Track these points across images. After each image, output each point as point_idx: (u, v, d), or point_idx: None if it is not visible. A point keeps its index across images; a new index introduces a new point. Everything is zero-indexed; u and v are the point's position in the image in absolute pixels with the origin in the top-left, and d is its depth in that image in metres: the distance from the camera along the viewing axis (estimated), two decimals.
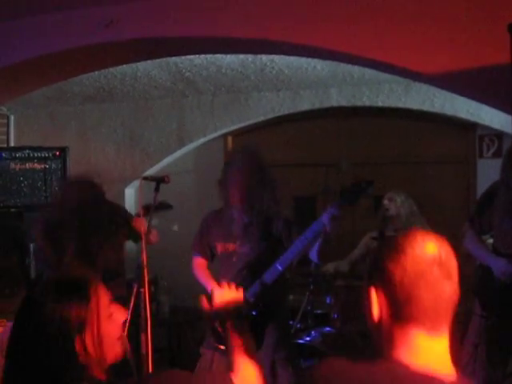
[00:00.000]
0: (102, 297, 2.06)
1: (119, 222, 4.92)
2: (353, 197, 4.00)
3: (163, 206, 4.63)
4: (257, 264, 4.20)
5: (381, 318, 1.69)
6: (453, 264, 1.67)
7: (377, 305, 1.69)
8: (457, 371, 1.65)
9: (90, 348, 1.98)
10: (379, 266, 1.70)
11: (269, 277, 4.07)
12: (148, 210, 4.36)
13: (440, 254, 1.65)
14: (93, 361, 1.99)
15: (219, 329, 4.23)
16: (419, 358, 1.61)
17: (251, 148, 4.45)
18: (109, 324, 2.05)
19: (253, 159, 4.29)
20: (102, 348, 2.01)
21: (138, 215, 4.77)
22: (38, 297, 2.00)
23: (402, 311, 1.64)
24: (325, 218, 3.90)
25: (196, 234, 4.61)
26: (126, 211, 5.35)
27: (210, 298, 4.20)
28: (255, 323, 4.13)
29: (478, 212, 4.19)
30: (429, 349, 1.63)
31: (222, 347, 4.24)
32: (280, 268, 4.04)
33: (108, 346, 2.04)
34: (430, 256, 1.64)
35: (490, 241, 4.35)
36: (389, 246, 1.73)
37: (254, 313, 4.14)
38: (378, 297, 1.69)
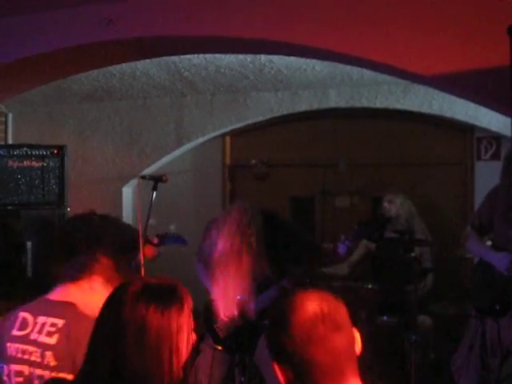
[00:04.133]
0: (191, 309, 1.93)
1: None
2: (368, 231, 4.26)
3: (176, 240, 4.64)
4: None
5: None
6: (339, 313, 1.66)
7: (283, 379, 1.65)
8: None
9: (175, 361, 1.81)
10: (272, 339, 1.69)
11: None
12: (162, 239, 4.40)
13: (322, 308, 1.63)
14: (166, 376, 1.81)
15: (217, 329, 4.28)
16: None
17: None
18: (189, 341, 1.90)
19: None
20: (179, 364, 1.83)
21: (150, 242, 4.76)
22: (124, 298, 1.83)
23: (306, 380, 1.61)
24: (341, 249, 4.12)
25: (200, 243, 4.54)
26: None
27: (210, 305, 4.25)
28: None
29: (479, 215, 4.20)
30: None
31: (220, 348, 4.27)
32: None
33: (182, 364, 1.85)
34: (311, 315, 1.62)
35: (489, 243, 4.36)
36: (275, 315, 1.72)
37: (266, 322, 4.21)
38: (281, 371, 1.65)
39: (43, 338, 2.55)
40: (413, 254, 5.17)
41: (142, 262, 4.00)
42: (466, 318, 4.13)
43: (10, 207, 5.92)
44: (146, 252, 4.69)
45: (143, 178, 4.42)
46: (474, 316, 3.92)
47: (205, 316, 4.54)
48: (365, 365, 1.73)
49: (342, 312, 1.67)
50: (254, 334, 4.26)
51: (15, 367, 2.56)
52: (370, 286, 5.33)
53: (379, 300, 5.30)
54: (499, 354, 3.84)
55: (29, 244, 5.63)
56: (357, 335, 1.71)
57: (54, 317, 2.60)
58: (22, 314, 2.67)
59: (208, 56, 5.46)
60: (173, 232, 4.89)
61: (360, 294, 5.30)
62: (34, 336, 2.58)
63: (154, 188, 4.29)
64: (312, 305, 1.64)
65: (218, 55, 5.42)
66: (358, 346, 1.70)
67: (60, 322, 2.58)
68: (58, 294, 2.75)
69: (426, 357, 5.57)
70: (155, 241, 4.77)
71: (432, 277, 5.95)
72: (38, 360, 2.53)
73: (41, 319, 2.61)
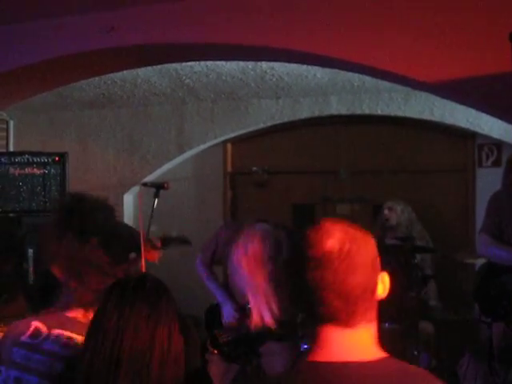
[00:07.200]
0: None
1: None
2: None
3: (181, 241, 4.61)
4: None
5: (304, 317, 1.64)
6: (361, 254, 1.56)
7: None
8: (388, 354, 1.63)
9: None
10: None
11: None
12: (165, 242, 4.38)
13: (344, 246, 1.54)
14: None
15: (217, 334, 4.27)
16: (336, 352, 1.57)
17: None
18: None
19: None
20: None
21: (154, 247, 4.76)
22: None
23: (314, 312, 1.57)
24: None
25: (209, 241, 4.51)
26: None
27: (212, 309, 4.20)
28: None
29: (489, 219, 4.17)
30: (347, 342, 1.59)
31: (215, 351, 4.25)
32: None
33: None
34: (329, 250, 1.53)
35: None
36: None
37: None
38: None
39: (56, 349, 2.50)
40: (414, 261, 5.16)
41: (144, 269, 3.98)
42: (468, 324, 4.12)
43: (11, 214, 5.92)
44: (149, 256, 4.67)
45: (145, 185, 4.43)
46: (481, 320, 3.91)
47: (206, 319, 4.51)
48: None
49: (364, 252, 1.58)
50: (254, 346, 4.23)
51: (15, 373, 2.53)
52: None
53: (380, 307, 5.28)
54: (507, 358, 3.83)
55: (30, 251, 5.63)
56: (385, 279, 1.64)
57: (71, 331, 2.55)
58: (35, 324, 2.63)
59: (209, 63, 5.47)
60: (176, 234, 4.87)
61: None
62: (46, 346, 2.53)
63: (156, 195, 4.29)
64: (334, 239, 1.55)
65: (219, 62, 5.42)
66: (383, 291, 1.65)
67: (78, 338, 2.52)
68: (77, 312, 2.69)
69: (428, 364, 5.56)
70: (158, 244, 4.76)
71: (434, 283, 5.95)
72: (47, 370, 2.48)
73: (56, 331, 2.57)
